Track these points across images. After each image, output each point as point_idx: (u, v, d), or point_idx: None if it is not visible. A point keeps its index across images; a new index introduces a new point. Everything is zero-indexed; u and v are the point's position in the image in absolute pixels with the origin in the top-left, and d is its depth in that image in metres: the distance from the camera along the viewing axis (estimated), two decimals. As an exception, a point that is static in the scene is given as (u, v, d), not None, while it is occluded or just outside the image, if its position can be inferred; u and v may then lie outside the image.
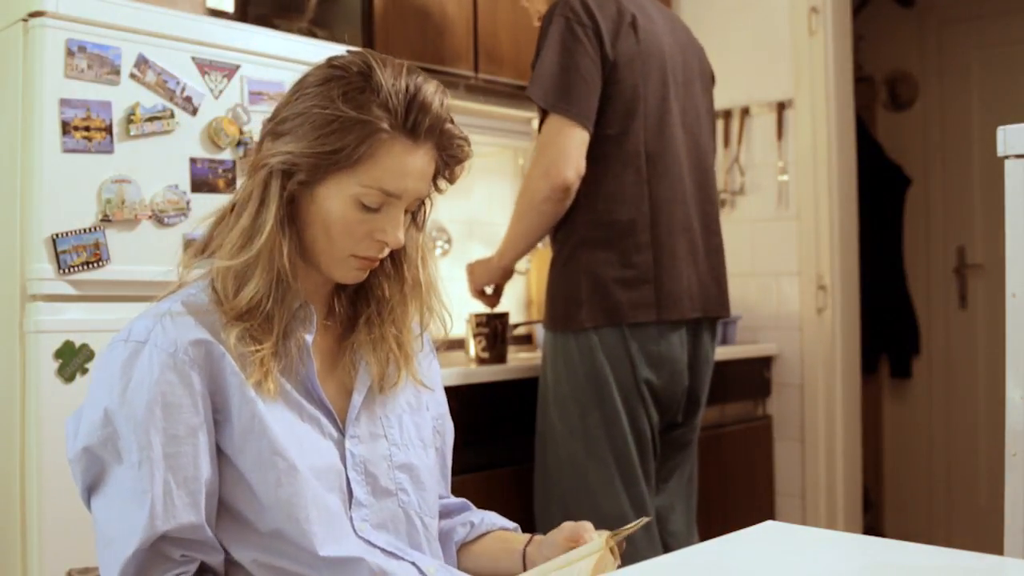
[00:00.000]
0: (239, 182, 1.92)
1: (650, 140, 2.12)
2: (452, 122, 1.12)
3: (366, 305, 1.20)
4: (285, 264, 1.08)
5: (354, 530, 1.11)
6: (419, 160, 1.09)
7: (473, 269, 2.34)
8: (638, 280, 2.09)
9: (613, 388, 2.08)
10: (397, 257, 1.19)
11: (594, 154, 2.08)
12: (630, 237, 2.09)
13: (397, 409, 1.21)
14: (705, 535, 2.34)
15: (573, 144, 2.04)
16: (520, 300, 3.20)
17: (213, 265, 1.10)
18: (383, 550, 1.12)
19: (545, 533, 2.13)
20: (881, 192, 4.04)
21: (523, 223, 2.14)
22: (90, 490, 1.05)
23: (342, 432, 1.14)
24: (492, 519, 1.32)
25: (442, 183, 1.17)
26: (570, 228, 2.12)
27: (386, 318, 1.19)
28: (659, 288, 2.10)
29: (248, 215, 1.08)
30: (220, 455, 1.06)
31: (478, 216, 3.14)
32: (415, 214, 1.19)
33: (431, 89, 1.09)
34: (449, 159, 1.14)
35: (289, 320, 1.10)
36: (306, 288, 1.14)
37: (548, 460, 2.14)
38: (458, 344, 2.60)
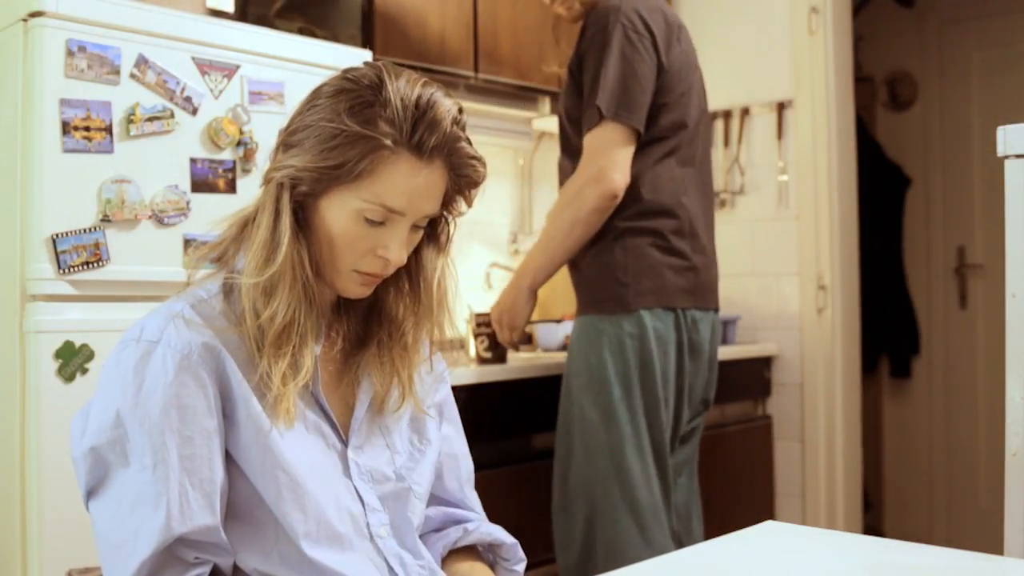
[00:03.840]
0: (239, 183, 1.93)
1: (684, 145, 2.18)
2: (466, 141, 1.10)
3: (378, 325, 1.18)
4: (309, 274, 1.07)
5: (371, 535, 1.11)
6: (424, 178, 1.07)
7: (502, 315, 2.22)
8: (681, 267, 2.14)
9: (657, 375, 2.09)
10: (415, 278, 1.17)
11: (639, 151, 2.12)
12: (671, 223, 2.13)
13: (400, 421, 1.20)
14: (705, 535, 2.33)
15: (625, 152, 2.07)
16: (520, 300, 3.19)
17: (236, 282, 1.08)
18: (389, 566, 1.11)
19: (561, 526, 2.10)
20: (881, 192, 4.04)
21: (570, 238, 2.10)
22: (91, 492, 1.04)
23: (345, 443, 1.13)
24: (487, 529, 1.27)
25: (460, 204, 1.15)
26: (613, 216, 2.12)
27: (396, 342, 1.17)
28: (696, 276, 2.16)
29: (265, 228, 1.06)
30: (227, 458, 1.06)
31: (478, 216, 3.14)
32: (437, 235, 1.17)
33: (444, 106, 1.07)
34: (462, 180, 1.12)
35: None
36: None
37: (575, 450, 2.10)
38: (459, 344, 2.60)
